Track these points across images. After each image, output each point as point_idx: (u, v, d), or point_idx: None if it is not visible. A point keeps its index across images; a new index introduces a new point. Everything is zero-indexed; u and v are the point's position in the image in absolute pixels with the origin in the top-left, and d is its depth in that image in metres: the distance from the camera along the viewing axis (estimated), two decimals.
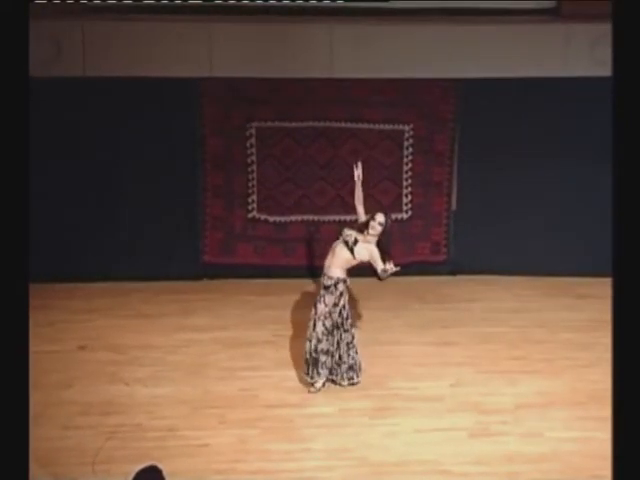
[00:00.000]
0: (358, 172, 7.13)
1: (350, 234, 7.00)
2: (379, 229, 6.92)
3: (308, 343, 7.12)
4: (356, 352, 7.21)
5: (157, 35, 9.14)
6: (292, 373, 7.48)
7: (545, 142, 9.47)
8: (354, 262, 7.01)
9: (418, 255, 9.80)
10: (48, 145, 8.98)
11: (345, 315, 7.10)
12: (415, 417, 6.81)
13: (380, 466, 6.15)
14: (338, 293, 7.03)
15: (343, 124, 9.55)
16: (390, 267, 6.66)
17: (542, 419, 6.79)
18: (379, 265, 6.80)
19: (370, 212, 7.06)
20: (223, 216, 9.71)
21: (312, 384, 7.16)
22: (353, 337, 7.19)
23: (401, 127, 9.60)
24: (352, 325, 7.22)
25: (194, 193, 9.56)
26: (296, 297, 9.09)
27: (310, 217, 9.74)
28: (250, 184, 9.67)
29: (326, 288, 7.03)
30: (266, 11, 9.28)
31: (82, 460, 6.11)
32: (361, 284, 8.35)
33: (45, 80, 8.60)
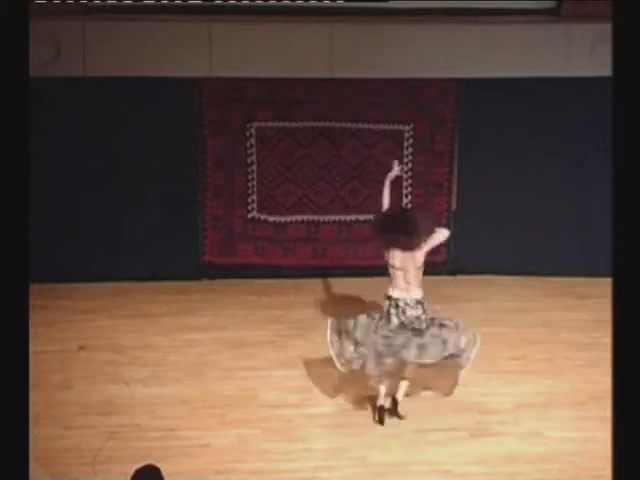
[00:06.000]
0: (396, 170, 7.11)
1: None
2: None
3: None
4: None
5: (157, 35, 9.13)
6: (292, 373, 7.46)
7: (545, 142, 9.45)
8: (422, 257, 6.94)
9: None
10: (47, 145, 8.95)
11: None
12: (415, 417, 6.80)
13: (380, 466, 6.15)
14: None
15: (343, 124, 9.53)
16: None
17: (542, 419, 6.79)
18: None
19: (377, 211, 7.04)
20: (223, 216, 9.69)
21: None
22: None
23: (401, 127, 9.59)
24: None
25: (194, 193, 9.55)
26: (296, 297, 9.07)
27: (310, 217, 9.73)
28: (250, 184, 9.65)
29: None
30: (266, 11, 9.27)
31: (82, 460, 6.11)
32: (361, 284, 8.36)
33: (45, 80, 8.59)
